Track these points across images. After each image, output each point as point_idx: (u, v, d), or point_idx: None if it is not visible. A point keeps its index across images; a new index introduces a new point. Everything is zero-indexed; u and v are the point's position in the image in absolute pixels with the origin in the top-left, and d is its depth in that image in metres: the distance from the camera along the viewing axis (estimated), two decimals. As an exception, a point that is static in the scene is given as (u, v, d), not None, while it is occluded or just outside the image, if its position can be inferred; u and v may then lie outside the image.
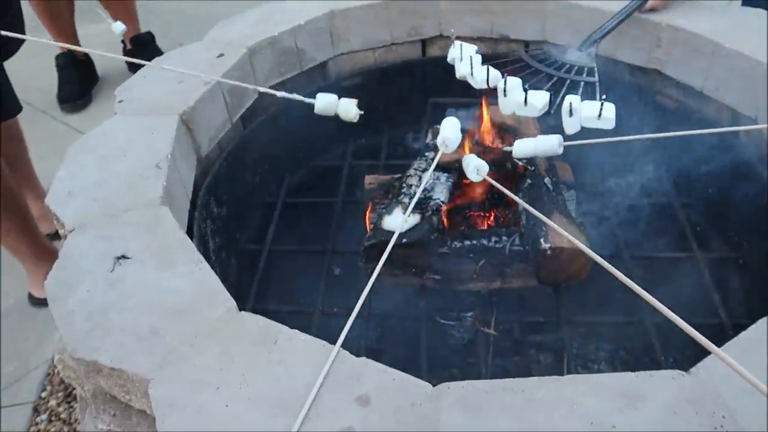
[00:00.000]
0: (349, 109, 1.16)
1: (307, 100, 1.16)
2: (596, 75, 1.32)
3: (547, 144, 1.09)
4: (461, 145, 1.24)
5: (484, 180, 1.25)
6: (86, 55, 2.60)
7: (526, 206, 1.00)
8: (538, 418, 0.68)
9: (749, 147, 1.31)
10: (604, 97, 1.16)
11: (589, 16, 1.50)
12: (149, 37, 2.63)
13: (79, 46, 2.51)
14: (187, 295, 0.85)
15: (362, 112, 1.16)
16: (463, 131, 1.27)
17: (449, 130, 1.18)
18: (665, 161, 1.51)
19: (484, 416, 0.69)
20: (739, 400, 0.67)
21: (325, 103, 1.16)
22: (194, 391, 0.73)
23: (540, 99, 1.20)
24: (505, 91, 1.22)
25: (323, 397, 0.71)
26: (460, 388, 0.71)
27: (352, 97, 1.64)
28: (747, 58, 1.23)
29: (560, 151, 1.09)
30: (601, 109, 1.15)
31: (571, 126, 1.20)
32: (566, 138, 1.11)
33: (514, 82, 1.22)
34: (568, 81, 1.31)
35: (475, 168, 1.11)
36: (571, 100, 1.18)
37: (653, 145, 1.49)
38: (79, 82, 2.56)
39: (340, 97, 1.18)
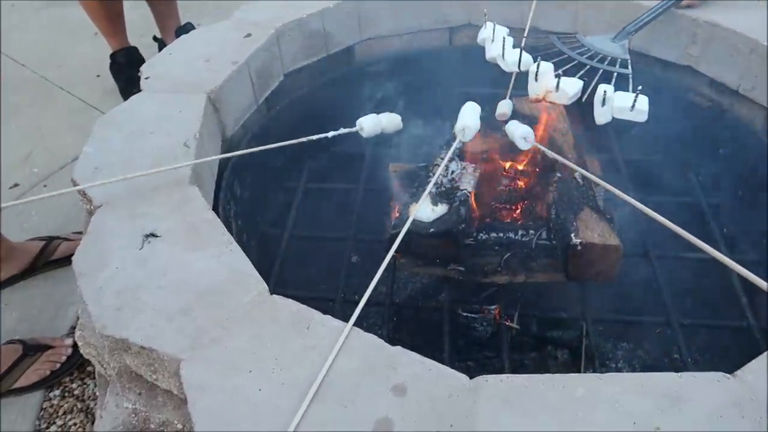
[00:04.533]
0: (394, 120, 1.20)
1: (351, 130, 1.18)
2: (630, 67, 1.29)
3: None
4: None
5: (514, 169, 1.23)
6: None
7: (585, 173, 0.98)
8: (578, 415, 0.66)
9: (783, 149, 1.28)
10: (639, 88, 1.13)
11: (622, 9, 1.48)
12: (192, 28, 2.55)
13: (126, 36, 2.45)
14: (219, 277, 0.83)
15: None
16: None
17: (467, 118, 1.16)
18: (695, 162, 1.49)
19: (522, 411, 0.67)
20: (787, 405, 0.65)
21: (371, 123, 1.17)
22: (226, 374, 0.72)
23: (572, 86, 1.18)
24: (537, 75, 1.20)
25: (359, 385, 0.70)
26: (498, 382, 0.70)
27: (376, 82, 1.63)
28: (788, 58, 1.21)
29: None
30: (635, 101, 1.13)
31: (602, 115, 1.18)
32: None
33: (547, 67, 1.20)
34: (601, 71, 1.28)
35: (522, 136, 1.10)
36: (606, 89, 1.16)
37: (683, 146, 1.47)
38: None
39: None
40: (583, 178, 1.24)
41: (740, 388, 0.68)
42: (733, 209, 1.39)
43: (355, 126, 1.18)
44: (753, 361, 0.71)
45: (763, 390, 0.67)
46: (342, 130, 1.15)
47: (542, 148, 1.10)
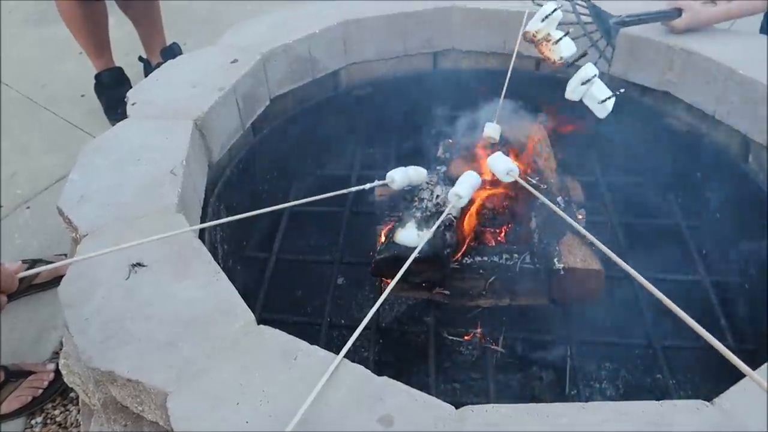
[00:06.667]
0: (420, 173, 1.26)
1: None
2: (612, 53, 1.28)
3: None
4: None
5: (499, 194, 1.25)
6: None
7: (563, 215, 0.99)
8: (562, 444, 0.68)
9: (759, 173, 1.32)
10: (623, 90, 1.16)
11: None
12: (178, 49, 2.56)
13: (111, 56, 2.43)
14: (205, 307, 0.84)
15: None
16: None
17: (464, 187, 1.15)
18: (674, 184, 1.53)
19: (508, 441, 0.68)
20: (764, 432, 0.67)
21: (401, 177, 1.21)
22: (213, 406, 0.72)
23: (569, 48, 1.18)
24: (546, 17, 1.19)
25: (346, 416, 0.71)
26: (483, 412, 0.71)
27: (362, 106, 1.65)
28: (761, 85, 1.24)
29: None
30: (608, 98, 1.15)
31: (574, 92, 1.17)
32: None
33: (558, 16, 1.20)
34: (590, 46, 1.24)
35: (506, 170, 1.11)
36: (595, 72, 1.16)
37: (663, 169, 1.51)
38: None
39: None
40: (566, 202, 1.26)
41: (718, 415, 0.69)
42: (711, 231, 1.42)
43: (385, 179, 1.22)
44: (731, 388, 0.72)
45: (741, 417, 0.69)
46: (376, 182, 1.17)
47: (524, 183, 1.11)
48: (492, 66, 1.68)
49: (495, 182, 1.29)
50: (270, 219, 1.50)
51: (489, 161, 1.15)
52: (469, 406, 0.72)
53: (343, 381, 0.74)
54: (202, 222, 1.18)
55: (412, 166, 1.24)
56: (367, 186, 1.15)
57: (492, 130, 1.32)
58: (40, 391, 1.45)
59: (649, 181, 1.54)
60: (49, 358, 1.58)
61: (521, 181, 1.11)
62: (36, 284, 1.70)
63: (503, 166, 1.11)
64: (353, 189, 1.15)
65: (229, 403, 0.72)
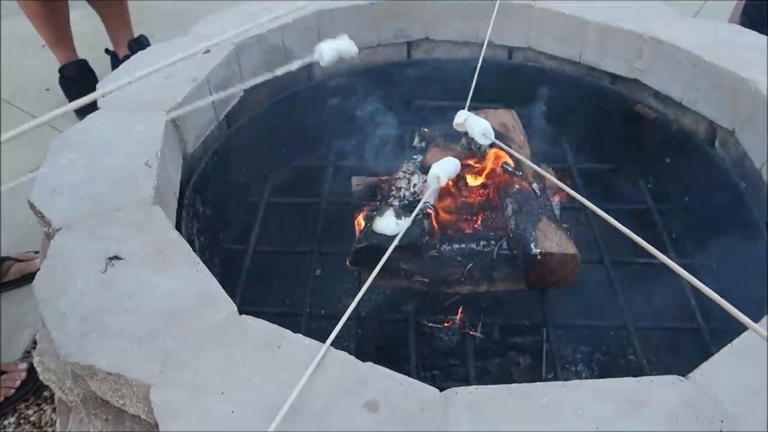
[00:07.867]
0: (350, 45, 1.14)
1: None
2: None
3: None
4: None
5: (475, 181, 1.26)
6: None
7: (553, 179, 1.00)
8: (544, 423, 0.69)
9: (725, 157, 1.35)
10: None
11: (573, 25, 1.54)
12: (146, 41, 2.51)
13: (74, 49, 2.39)
14: (186, 298, 0.83)
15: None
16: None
17: (443, 169, 1.16)
18: (644, 170, 1.56)
19: (492, 421, 0.69)
20: (737, 405, 0.70)
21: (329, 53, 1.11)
22: (198, 397, 0.72)
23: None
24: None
25: (332, 403, 0.71)
26: (467, 394, 0.72)
27: (336, 96, 1.65)
28: (727, 72, 1.28)
29: None
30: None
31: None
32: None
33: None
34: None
35: (482, 132, 1.11)
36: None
37: (633, 155, 1.54)
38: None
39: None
40: (541, 188, 1.28)
41: (693, 389, 0.72)
42: (680, 215, 1.46)
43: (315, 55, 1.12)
44: (704, 363, 0.75)
45: (715, 391, 0.71)
46: (299, 62, 1.09)
47: (501, 145, 1.12)
48: (465, 55, 1.69)
49: (472, 169, 1.31)
50: (246, 211, 1.48)
51: (465, 122, 1.15)
52: (454, 388, 0.73)
53: (327, 368, 0.74)
54: (178, 214, 1.16)
55: (344, 36, 1.15)
56: (295, 66, 1.07)
57: (463, 117, 1.33)
58: (13, 390, 1.42)
59: (620, 166, 1.57)
60: (20, 357, 1.54)
61: (498, 143, 1.12)
62: (5, 282, 1.66)
63: (479, 127, 1.11)
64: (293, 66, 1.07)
65: (214, 394, 0.72)
